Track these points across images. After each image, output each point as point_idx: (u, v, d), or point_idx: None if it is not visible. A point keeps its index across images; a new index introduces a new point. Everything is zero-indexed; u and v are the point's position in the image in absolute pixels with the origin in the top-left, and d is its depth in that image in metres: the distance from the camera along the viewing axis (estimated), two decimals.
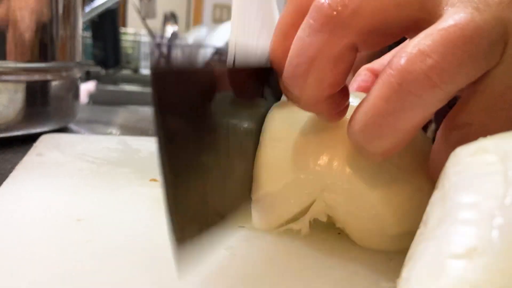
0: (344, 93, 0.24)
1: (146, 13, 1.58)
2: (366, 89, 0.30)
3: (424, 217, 0.19)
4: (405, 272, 0.17)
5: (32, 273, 0.21)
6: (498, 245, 0.14)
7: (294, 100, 0.24)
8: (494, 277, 0.14)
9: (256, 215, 0.28)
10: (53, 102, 0.51)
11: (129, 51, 1.68)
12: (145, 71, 1.67)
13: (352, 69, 0.23)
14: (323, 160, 0.25)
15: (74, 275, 0.21)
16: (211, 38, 1.78)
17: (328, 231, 0.27)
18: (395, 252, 0.25)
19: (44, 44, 0.49)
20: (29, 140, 0.44)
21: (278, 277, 0.23)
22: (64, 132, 0.52)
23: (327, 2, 0.21)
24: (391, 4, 0.21)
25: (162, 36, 1.76)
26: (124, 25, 2.59)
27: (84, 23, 0.66)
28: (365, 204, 0.25)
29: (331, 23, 0.21)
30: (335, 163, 0.25)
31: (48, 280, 0.21)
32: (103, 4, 0.74)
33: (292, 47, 0.23)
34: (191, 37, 1.93)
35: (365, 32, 0.21)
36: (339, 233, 0.28)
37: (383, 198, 0.24)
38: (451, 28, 0.19)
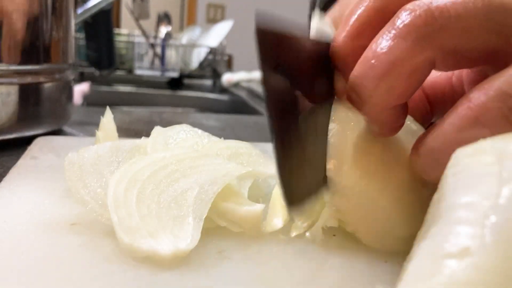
0: (405, 109, 0.24)
1: (140, 14, 1.57)
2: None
3: (425, 218, 0.19)
4: (403, 272, 0.17)
5: (24, 278, 0.21)
6: (490, 245, 0.14)
7: (357, 103, 0.23)
8: (486, 276, 0.14)
9: (271, 220, 0.28)
10: (46, 105, 0.51)
11: (123, 52, 1.67)
12: (139, 71, 1.66)
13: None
14: (333, 164, 0.24)
15: (67, 280, 0.21)
16: (205, 38, 1.78)
17: (323, 234, 0.27)
18: (390, 253, 0.25)
19: (37, 46, 0.49)
20: (23, 143, 0.44)
21: (272, 279, 0.23)
22: (58, 134, 0.52)
23: (418, 11, 0.21)
24: (479, 28, 0.21)
25: (155, 37, 1.75)
26: (118, 26, 2.58)
27: (77, 24, 0.66)
28: (376, 207, 0.25)
29: (418, 32, 0.21)
30: (345, 167, 0.24)
31: (41, 285, 0.21)
32: (96, 5, 0.74)
33: (371, 47, 0.22)
34: (185, 37, 1.92)
35: (448, 50, 0.21)
36: (334, 235, 0.28)
37: (393, 201, 0.24)
38: None
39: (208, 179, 0.28)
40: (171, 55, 1.70)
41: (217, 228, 0.27)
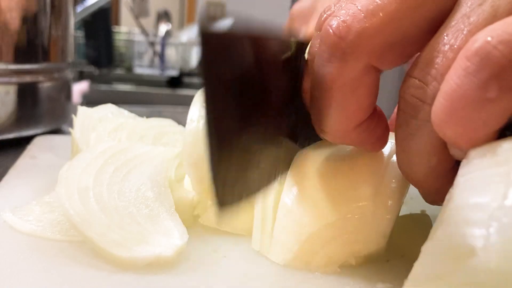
0: (377, 118, 0.23)
1: (139, 12, 1.57)
2: None
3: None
4: (411, 272, 0.17)
5: (25, 278, 0.21)
6: (495, 246, 0.14)
7: (323, 134, 0.23)
8: (491, 277, 0.14)
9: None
10: (45, 104, 0.51)
11: (123, 50, 1.67)
12: (139, 70, 1.66)
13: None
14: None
15: (68, 278, 0.21)
16: None
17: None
18: (392, 252, 0.25)
19: (35, 45, 0.49)
20: (21, 143, 0.44)
21: (270, 277, 0.23)
22: (57, 133, 0.51)
23: (331, 29, 0.20)
24: (401, 11, 0.19)
25: (155, 35, 1.75)
26: (117, 24, 2.58)
27: (76, 22, 0.65)
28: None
29: (338, 50, 0.20)
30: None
31: (43, 286, 0.21)
32: (95, 3, 0.73)
33: (311, 80, 0.22)
34: (185, 35, 1.92)
35: (378, 50, 0.20)
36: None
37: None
38: None
39: (151, 169, 0.28)
40: (171, 53, 1.70)
41: (208, 227, 0.28)
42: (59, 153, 0.41)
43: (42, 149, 0.42)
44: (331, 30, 0.20)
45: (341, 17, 0.20)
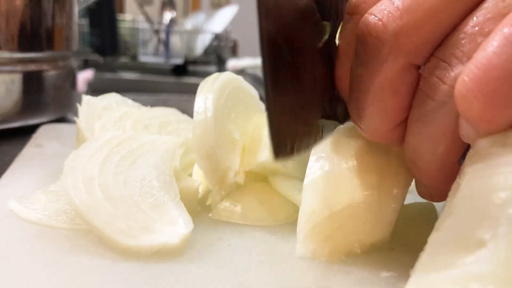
0: None
1: None
2: None
3: (443, 208, 0.19)
4: (418, 262, 0.17)
5: (30, 266, 0.21)
6: (504, 237, 0.14)
7: (361, 132, 0.23)
8: (499, 268, 0.14)
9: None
10: (50, 93, 0.51)
11: (127, 38, 1.66)
12: (144, 58, 1.65)
13: None
14: None
15: (74, 266, 0.21)
16: (209, 24, 1.77)
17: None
18: (397, 241, 0.25)
19: (40, 34, 0.48)
20: (27, 132, 0.44)
21: (275, 266, 0.23)
22: (62, 122, 0.52)
23: (367, 28, 0.19)
24: (439, 6, 0.18)
25: (160, 23, 1.74)
26: (122, 11, 2.57)
27: (80, 10, 0.65)
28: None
29: (375, 51, 0.19)
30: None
31: (49, 274, 0.21)
32: None
33: (350, 79, 0.22)
34: (190, 22, 1.91)
35: (417, 48, 0.19)
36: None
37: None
38: None
39: (157, 158, 0.28)
40: (176, 41, 1.69)
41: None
42: (64, 142, 0.41)
43: (47, 137, 0.42)
44: (367, 30, 0.19)
45: (377, 15, 0.19)
